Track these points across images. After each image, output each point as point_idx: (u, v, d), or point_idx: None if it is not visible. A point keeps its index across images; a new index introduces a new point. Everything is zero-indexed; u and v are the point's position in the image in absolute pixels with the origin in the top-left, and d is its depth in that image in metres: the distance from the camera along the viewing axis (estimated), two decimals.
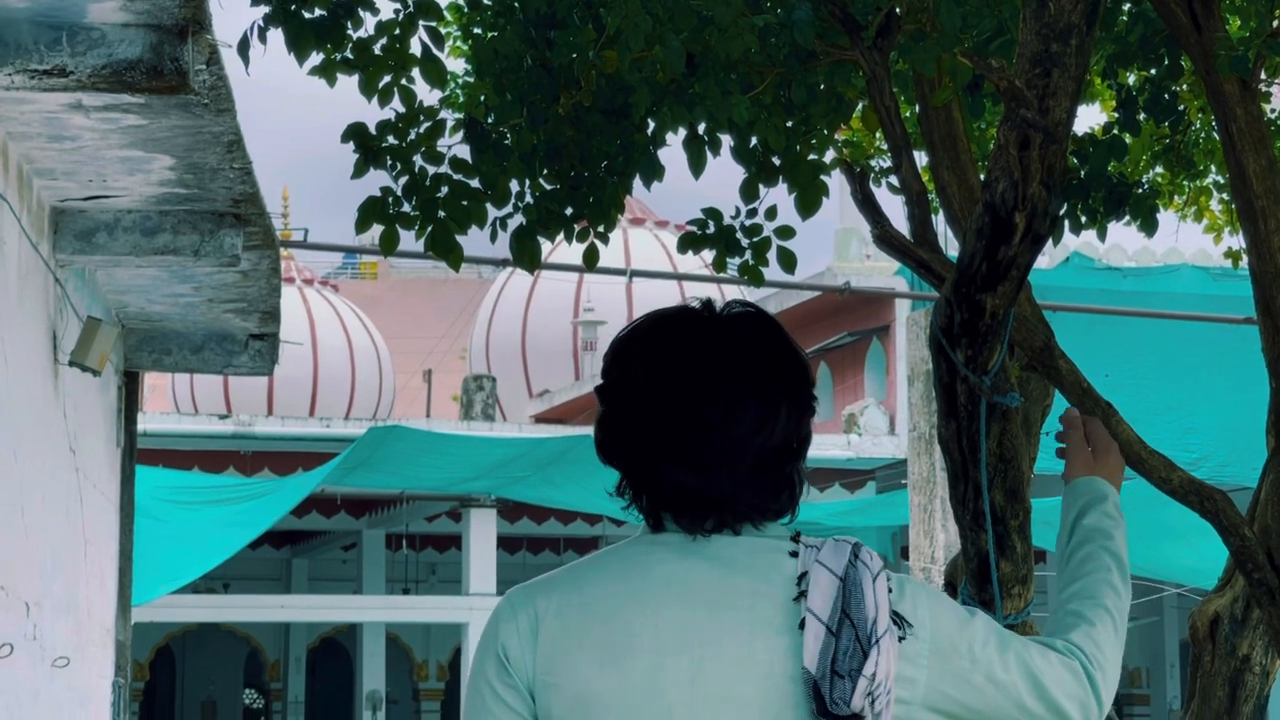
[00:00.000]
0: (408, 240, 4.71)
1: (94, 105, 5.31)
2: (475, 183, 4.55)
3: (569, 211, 4.59)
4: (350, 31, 4.54)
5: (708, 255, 4.83)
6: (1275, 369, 4.36)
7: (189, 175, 6.13)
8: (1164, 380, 16.53)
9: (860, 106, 4.84)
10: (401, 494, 21.12)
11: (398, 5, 4.62)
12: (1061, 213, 4.56)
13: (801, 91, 4.31)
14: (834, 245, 21.54)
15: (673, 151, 4.66)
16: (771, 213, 4.76)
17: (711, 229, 4.74)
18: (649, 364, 2.20)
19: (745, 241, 4.75)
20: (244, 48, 4.46)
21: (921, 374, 17.14)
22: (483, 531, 21.19)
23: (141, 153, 5.85)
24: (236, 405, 24.82)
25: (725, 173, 4.82)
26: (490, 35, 4.69)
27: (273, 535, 24.14)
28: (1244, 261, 5.67)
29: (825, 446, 19.80)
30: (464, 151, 4.59)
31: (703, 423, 2.16)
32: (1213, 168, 5.99)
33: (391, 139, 4.54)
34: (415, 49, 4.58)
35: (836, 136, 4.91)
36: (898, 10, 4.14)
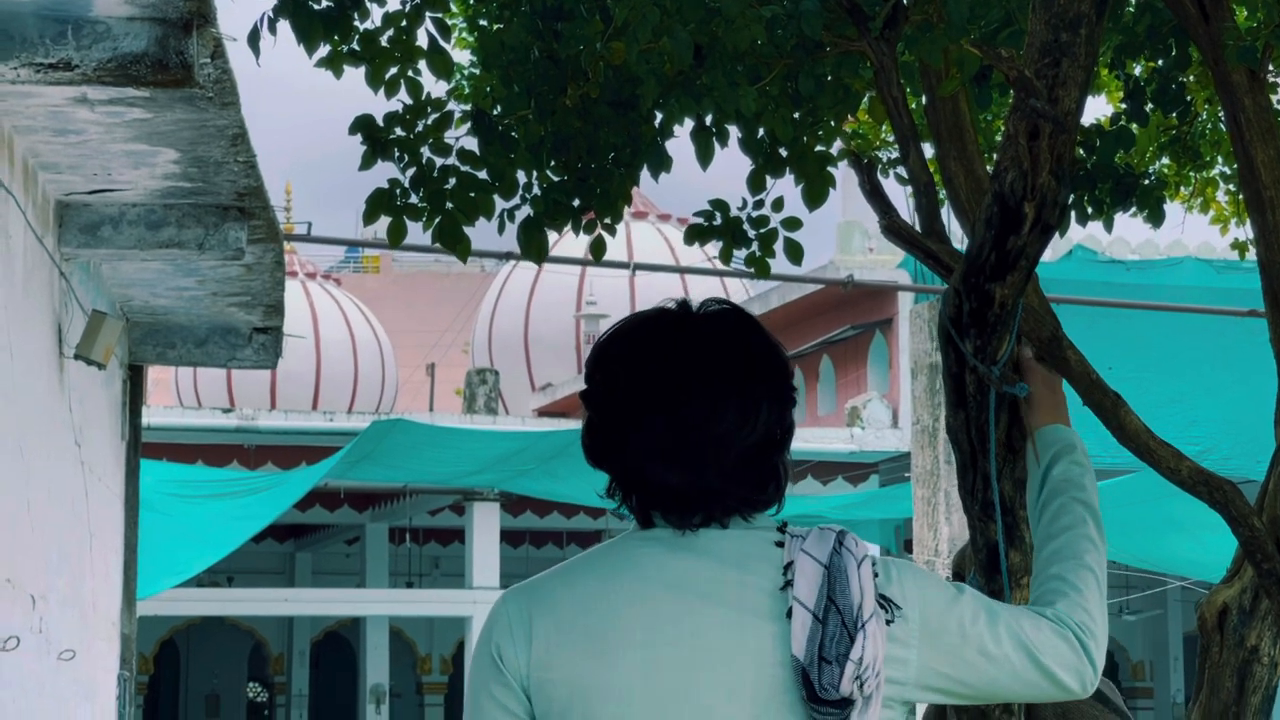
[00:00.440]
0: (414, 233, 4.71)
1: (99, 99, 5.31)
2: (483, 174, 4.55)
3: (576, 203, 4.59)
4: (357, 23, 4.53)
5: (710, 249, 4.83)
6: None
7: (193, 169, 6.13)
8: (1167, 373, 16.53)
9: (867, 98, 4.84)
10: (405, 488, 21.15)
11: None
12: (1068, 204, 4.56)
13: (809, 83, 4.31)
14: (836, 238, 21.52)
15: (675, 144, 4.67)
16: (778, 204, 4.75)
17: (718, 220, 4.74)
18: (629, 367, 2.24)
19: (752, 233, 4.76)
20: (254, 39, 4.46)
21: (925, 367, 17.13)
22: (486, 525, 21.21)
23: (146, 146, 5.85)
24: (239, 399, 24.85)
25: (727, 166, 4.82)
26: (496, 27, 4.69)
27: (276, 529, 24.16)
28: (1250, 253, 5.66)
29: (828, 440, 19.81)
30: (471, 143, 4.59)
31: (685, 422, 2.19)
32: (1219, 158, 5.99)
33: (399, 131, 4.53)
34: (422, 41, 4.57)
35: (844, 128, 4.91)
36: (905, 1, 4.14)
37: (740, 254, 4.78)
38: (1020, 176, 3.23)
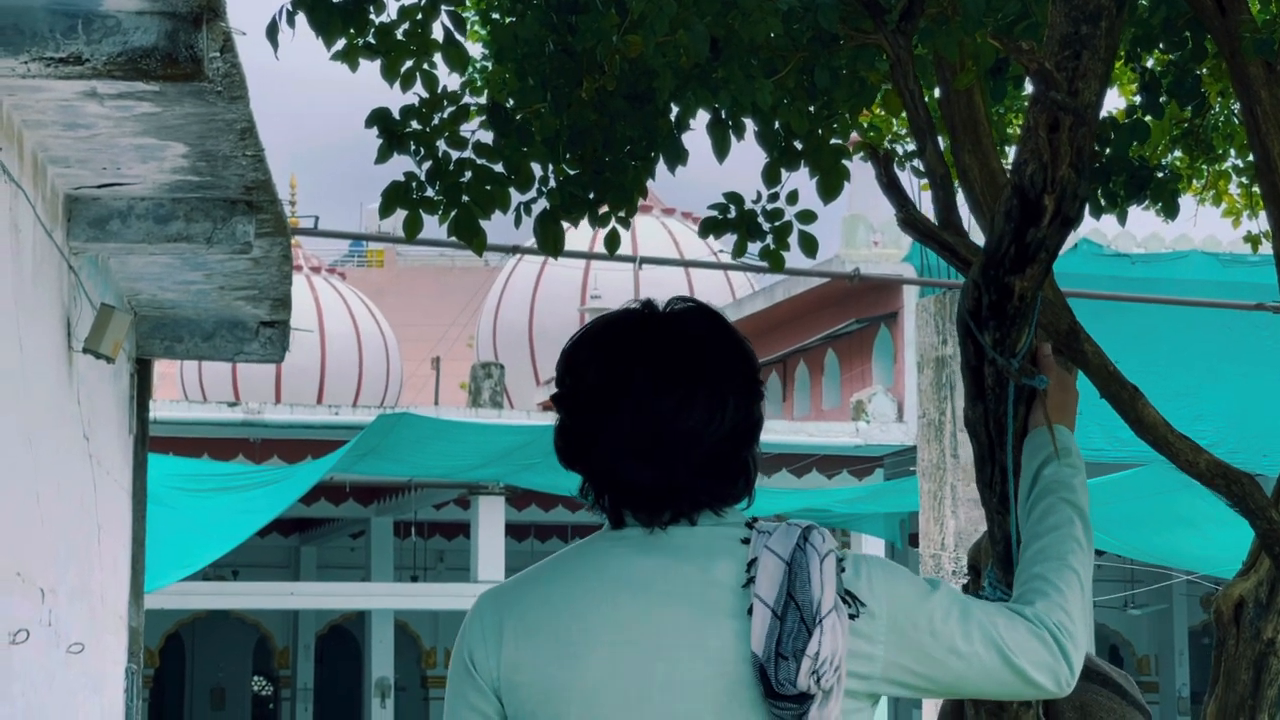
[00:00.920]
0: (427, 226, 4.71)
1: (108, 93, 5.30)
2: (498, 167, 4.55)
3: (591, 196, 4.59)
4: (372, 16, 4.53)
5: (714, 243, 4.83)
6: None
7: (202, 163, 6.13)
8: (1174, 366, 16.49)
9: (883, 91, 4.83)
10: (410, 481, 21.13)
11: None
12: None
13: (825, 75, 4.31)
14: (841, 232, 21.50)
15: (688, 136, 4.67)
16: (793, 197, 4.75)
17: (733, 214, 4.74)
18: (597, 368, 2.26)
19: (767, 226, 4.75)
20: (273, 32, 4.45)
21: (930, 361, 17.11)
22: (491, 519, 21.22)
23: (155, 140, 5.85)
24: (245, 393, 24.83)
25: (736, 160, 4.81)
26: (509, 20, 4.69)
27: (281, 523, 24.18)
28: (1264, 246, 5.65)
29: (833, 434, 19.80)
30: (487, 137, 4.59)
31: (654, 419, 2.22)
32: (1232, 151, 5.98)
33: (415, 124, 4.53)
34: (437, 34, 4.57)
35: (859, 121, 4.90)
36: None
37: (754, 247, 4.78)
38: (1040, 169, 3.21)
